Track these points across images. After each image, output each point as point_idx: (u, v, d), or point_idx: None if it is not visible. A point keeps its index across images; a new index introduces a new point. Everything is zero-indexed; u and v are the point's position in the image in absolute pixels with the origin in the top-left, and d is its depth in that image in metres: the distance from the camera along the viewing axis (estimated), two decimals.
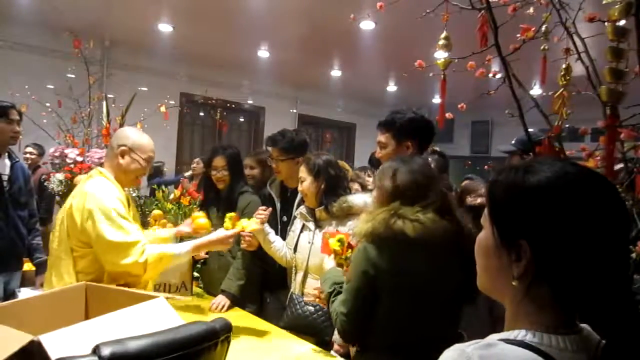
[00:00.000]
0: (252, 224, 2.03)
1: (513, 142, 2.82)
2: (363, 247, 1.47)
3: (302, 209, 2.24)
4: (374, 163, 3.22)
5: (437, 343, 0.75)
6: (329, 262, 1.76)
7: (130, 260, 1.70)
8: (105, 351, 0.89)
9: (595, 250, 0.63)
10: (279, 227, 2.49)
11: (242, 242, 2.26)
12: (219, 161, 2.56)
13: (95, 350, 0.89)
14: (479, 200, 3.17)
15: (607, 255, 0.63)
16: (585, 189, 0.65)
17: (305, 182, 2.15)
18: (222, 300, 2.35)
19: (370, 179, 3.15)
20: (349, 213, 2.08)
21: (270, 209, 2.25)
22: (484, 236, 0.73)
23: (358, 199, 2.11)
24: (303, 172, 2.17)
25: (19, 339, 0.92)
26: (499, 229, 0.69)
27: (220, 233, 1.96)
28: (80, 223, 1.71)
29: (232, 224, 1.99)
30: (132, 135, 1.92)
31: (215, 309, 2.31)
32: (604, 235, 0.63)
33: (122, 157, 1.86)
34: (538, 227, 0.64)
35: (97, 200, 1.73)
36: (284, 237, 2.37)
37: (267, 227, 2.23)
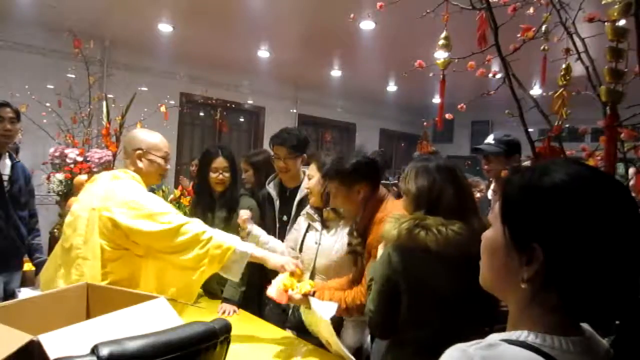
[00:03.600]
0: (305, 286, 1.91)
1: (492, 141, 2.61)
2: (387, 253, 1.47)
3: (309, 209, 2.22)
4: None
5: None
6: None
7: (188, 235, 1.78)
8: (104, 351, 0.89)
9: (608, 255, 0.61)
10: (278, 226, 2.48)
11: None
12: (221, 162, 2.48)
13: (94, 350, 0.89)
14: (478, 195, 3.22)
15: (619, 260, 0.62)
16: (601, 192, 0.63)
17: (313, 180, 2.12)
18: (228, 307, 2.34)
19: None
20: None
21: (250, 213, 2.28)
22: (493, 234, 0.71)
23: None
24: (313, 169, 2.15)
25: (18, 339, 0.92)
26: (511, 229, 0.67)
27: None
28: (126, 223, 1.69)
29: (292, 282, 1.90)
30: (144, 136, 1.91)
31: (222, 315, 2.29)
32: (618, 240, 0.62)
33: (140, 160, 1.87)
34: (553, 231, 0.62)
35: (141, 196, 1.76)
36: (283, 237, 2.36)
37: (256, 230, 2.22)
